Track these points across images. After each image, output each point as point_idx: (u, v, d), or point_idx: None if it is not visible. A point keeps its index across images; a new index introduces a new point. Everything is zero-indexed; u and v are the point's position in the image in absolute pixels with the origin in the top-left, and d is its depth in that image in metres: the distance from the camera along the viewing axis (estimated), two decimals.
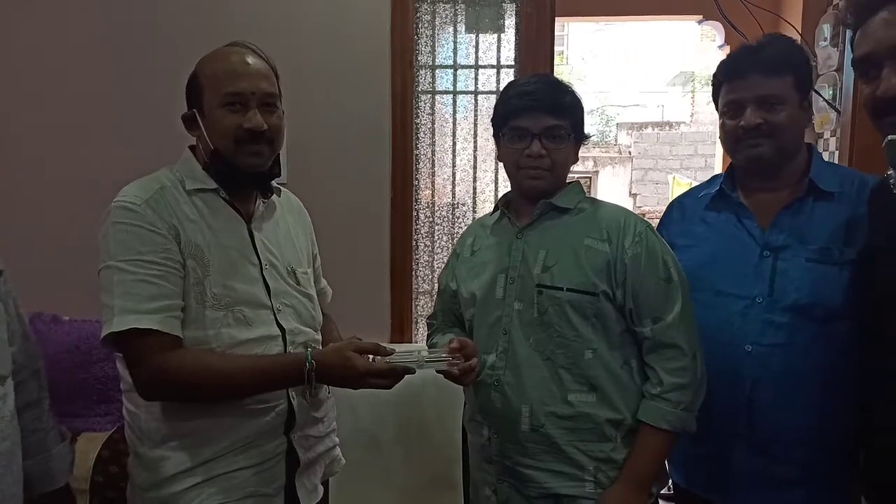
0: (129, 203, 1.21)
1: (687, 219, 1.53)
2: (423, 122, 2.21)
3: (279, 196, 1.43)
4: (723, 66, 1.42)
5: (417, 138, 2.20)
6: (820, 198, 1.36)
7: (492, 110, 1.44)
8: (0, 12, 2.12)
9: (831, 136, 3.02)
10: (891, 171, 1.04)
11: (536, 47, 2.11)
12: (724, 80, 1.41)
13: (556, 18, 2.17)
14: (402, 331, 2.20)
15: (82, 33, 2.13)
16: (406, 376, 1.22)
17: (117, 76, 2.13)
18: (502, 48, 2.19)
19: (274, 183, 1.40)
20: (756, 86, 1.34)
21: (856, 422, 1.27)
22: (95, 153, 2.13)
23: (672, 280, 1.31)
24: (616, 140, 13.07)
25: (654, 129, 12.22)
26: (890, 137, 1.03)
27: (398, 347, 1.27)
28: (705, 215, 1.49)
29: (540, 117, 1.33)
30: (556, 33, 2.19)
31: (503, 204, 1.45)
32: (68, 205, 2.09)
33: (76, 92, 2.14)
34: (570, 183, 1.42)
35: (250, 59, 1.28)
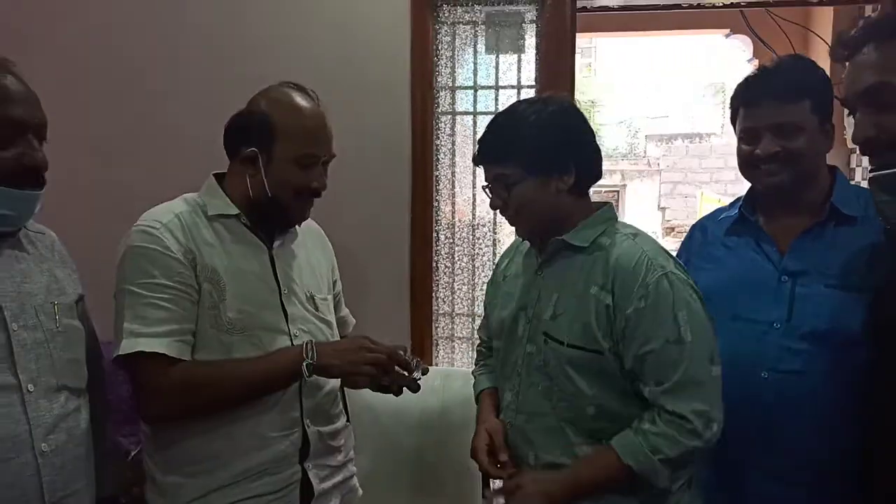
0: (147, 227, 1.25)
1: (708, 242, 1.51)
2: (443, 143, 2.20)
3: (300, 225, 1.44)
4: (739, 90, 1.39)
5: (437, 159, 2.19)
6: (842, 222, 1.32)
7: None
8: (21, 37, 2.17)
9: None
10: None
11: (557, 67, 2.10)
12: (741, 106, 1.38)
13: (583, 34, 2.15)
14: (422, 352, 2.18)
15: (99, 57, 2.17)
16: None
17: (131, 96, 2.16)
18: (522, 68, 2.17)
19: None
20: (772, 113, 1.31)
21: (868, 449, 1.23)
22: (118, 171, 2.16)
23: (683, 341, 1.15)
24: (645, 152, 12.95)
25: (683, 141, 12.08)
26: (871, 175, 1.06)
27: None
28: (726, 239, 1.47)
29: (487, 168, 1.29)
30: (584, 45, 2.17)
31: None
32: (96, 226, 2.11)
33: (86, 110, 2.16)
34: (601, 205, 1.31)
35: (326, 121, 1.33)
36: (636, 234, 1.27)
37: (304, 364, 1.22)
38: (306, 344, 1.24)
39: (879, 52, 1.02)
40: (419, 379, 1.34)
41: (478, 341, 1.62)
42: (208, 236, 1.29)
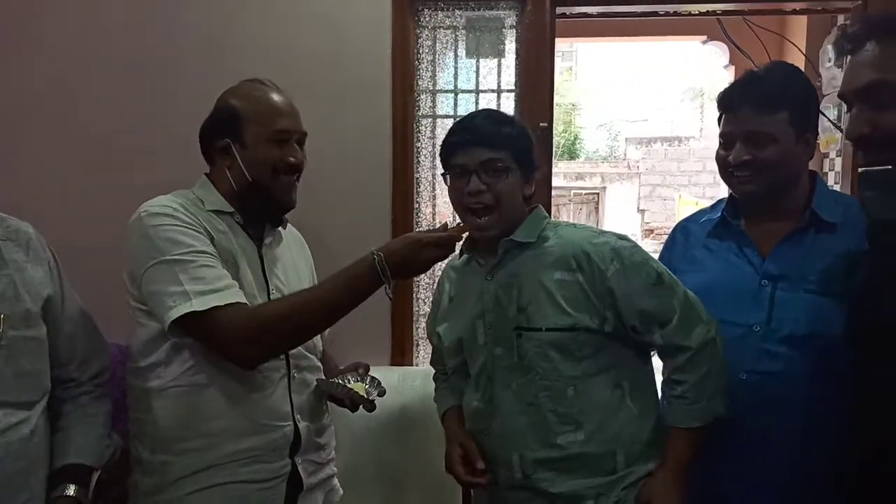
0: (159, 210, 1.27)
1: (690, 244, 1.54)
2: (423, 146, 2.21)
3: (285, 228, 1.48)
4: (722, 95, 1.41)
5: (418, 161, 2.21)
6: (822, 229, 1.35)
7: None
8: (20, 34, 2.15)
9: (837, 157, 3.02)
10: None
11: (537, 72, 2.12)
12: (721, 111, 1.41)
13: (563, 38, 2.17)
14: (402, 353, 2.20)
15: (94, 62, 2.16)
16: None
17: (119, 95, 2.15)
18: (502, 73, 2.20)
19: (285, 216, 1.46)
20: (746, 121, 1.33)
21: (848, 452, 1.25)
22: (101, 171, 2.14)
23: (663, 282, 1.29)
24: (625, 155, 13.07)
25: (662, 145, 12.20)
26: (861, 170, 1.08)
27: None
28: (708, 242, 1.49)
29: (476, 151, 1.30)
30: (565, 49, 2.21)
31: (469, 246, 1.43)
32: (89, 225, 2.09)
33: (79, 110, 2.15)
34: (531, 209, 1.40)
35: (289, 99, 1.39)
36: (574, 224, 1.44)
37: (378, 262, 1.23)
38: (378, 262, 1.22)
39: (880, 50, 1.03)
40: (374, 399, 1.40)
41: None
42: (216, 223, 1.32)
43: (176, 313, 1.19)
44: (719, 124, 1.44)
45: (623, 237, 1.35)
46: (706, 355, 1.28)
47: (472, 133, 1.31)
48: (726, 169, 1.39)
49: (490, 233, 1.32)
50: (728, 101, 1.38)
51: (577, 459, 1.29)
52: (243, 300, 1.23)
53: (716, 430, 1.31)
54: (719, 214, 1.48)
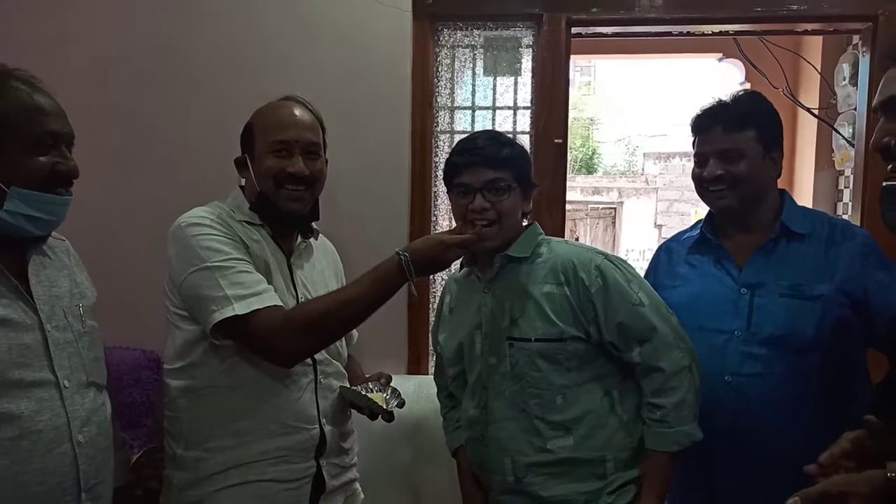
0: (197, 221, 1.34)
1: (673, 261, 1.65)
2: (441, 161, 2.26)
3: (316, 239, 1.54)
4: (693, 120, 1.54)
5: (436, 175, 2.26)
6: (793, 238, 1.47)
7: None
8: (46, 51, 2.24)
9: (852, 174, 3.02)
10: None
11: (552, 89, 2.18)
12: (694, 134, 1.53)
13: (579, 55, 2.22)
14: (418, 363, 2.24)
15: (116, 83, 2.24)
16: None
17: (139, 110, 2.22)
18: (519, 90, 2.26)
19: (315, 226, 1.51)
20: (718, 140, 1.46)
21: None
22: (128, 181, 2.22)
23: (644, 303, 1.35)
24: (643, 170, 13.03)
25: (681, 160, 12.14)
26: (885, 183, 1.11)
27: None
28: (689, 258, 1.60)
29: (480, 172, 1.36)
30: (583, 64, 2.25)
31: (469, 261, 1.49)
32: (95, 234, 2.16)
33: (97, 122, 2.21)
34: (527, 226, 1.46)
35: (298, 112, 1.41)
36: (567, 241, 1.49)
37: (404, 262, 1.28)
38: (405, 262, 1.28)
39: None
40: (392, 411, 1.44)
41: None
42: (250, 233, 1.39)
43: (219, 317, 1.25)
44: (693, 147, 1.56)
45: (611, 256, 1.41)
46: (681, 380, 1.33)
47: (476, 154, 1.38)
48: (702, 185, 1.52)
49: (490, 244, 1.38)
50: (700, 124, 1.51)
51: (566, 464, 1.34)
52: (280, 303, 1.29)
53: (710, 433, 1.37)
54: (698, 232, 1.59)
